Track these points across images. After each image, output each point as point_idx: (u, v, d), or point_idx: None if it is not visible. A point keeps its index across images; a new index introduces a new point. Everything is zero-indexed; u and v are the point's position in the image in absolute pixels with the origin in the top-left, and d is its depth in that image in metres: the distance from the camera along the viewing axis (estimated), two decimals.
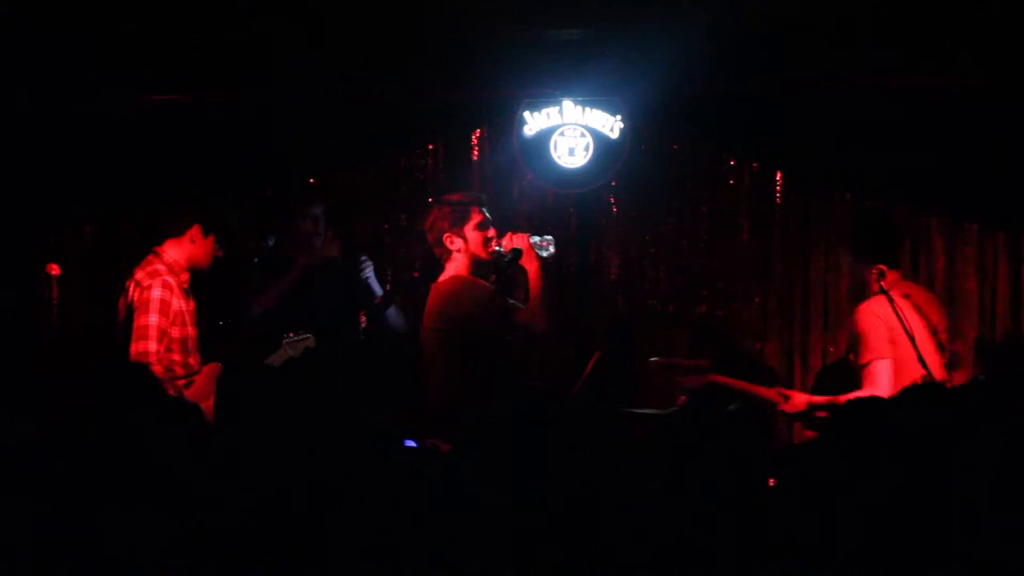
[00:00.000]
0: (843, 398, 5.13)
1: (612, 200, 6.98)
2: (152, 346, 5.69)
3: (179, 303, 5.84)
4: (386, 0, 6.20)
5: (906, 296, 5.30)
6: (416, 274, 6.60)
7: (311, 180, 7.03)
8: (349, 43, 6.40)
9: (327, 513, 3.22)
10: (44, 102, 6.47)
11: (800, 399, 5.33)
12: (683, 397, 5.56)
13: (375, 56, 6.42)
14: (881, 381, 5.12)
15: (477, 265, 5.70)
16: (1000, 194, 6.45)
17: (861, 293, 5.51)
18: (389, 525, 3.11)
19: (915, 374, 5.09)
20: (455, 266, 5.69)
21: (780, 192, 6.91)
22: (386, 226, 7.08)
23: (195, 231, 5.91)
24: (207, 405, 4.13)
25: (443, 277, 5.69)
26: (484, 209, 5.73)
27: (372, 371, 6.37)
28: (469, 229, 5.68)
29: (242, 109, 6.62)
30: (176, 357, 5.80)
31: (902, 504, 3.13)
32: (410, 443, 4.62)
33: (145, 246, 6.03)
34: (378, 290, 6.32)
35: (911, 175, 6.53)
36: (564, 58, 6.41)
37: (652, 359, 5.90)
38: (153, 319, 5.72)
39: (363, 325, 6.30)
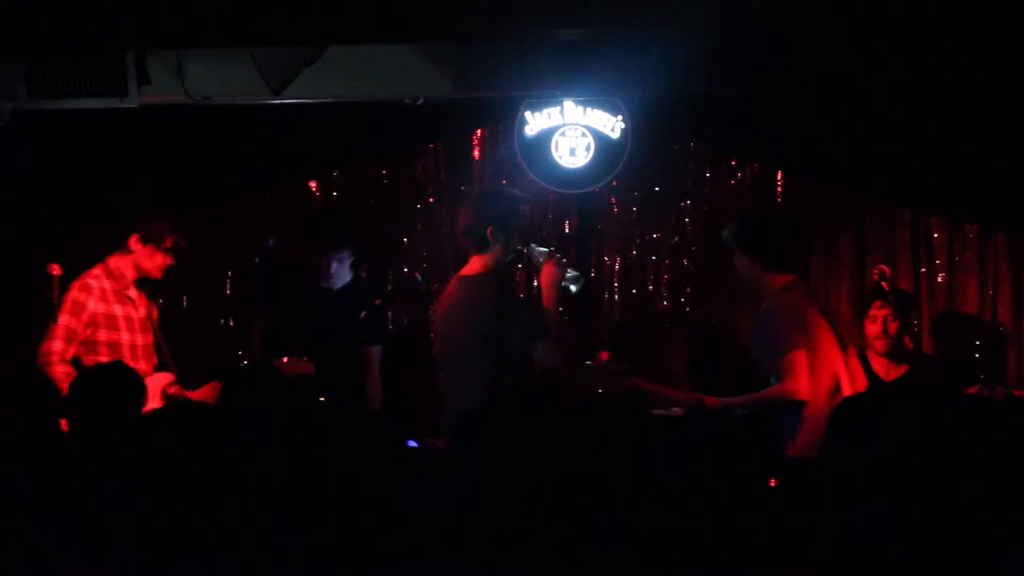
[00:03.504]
0: (763, 394, 5.35)
1: (613, 200, 6.98)
2: (56, 345, 5.81)
3: (106, 306, 5.92)
4: (387, 0, 6.18)
5: (808, 295, 5.48)
6: (417, 274, 6.58)
7: (311, 181, 7.04)
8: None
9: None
10: (43, 101, 6.45)
11: (713, 402, 5.39)
12: None
13: (375, 55, 6.40)
14: (802, 371, 5.27)
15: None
16: (1000, 194, 6.45)
17: (758, 293, 5.68)
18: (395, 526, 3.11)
19: (828, 365, 5.33)
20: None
21: (780, 192, 6.91)
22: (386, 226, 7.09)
23: (134, 240, 6.00)
24: None
25: None
26: None
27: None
28: None
29: (241, 110, 6.61)
30: (104, 359, 5.80)
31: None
32: (412, 443, 4.62)
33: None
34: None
35: (911, 175, 6.53)
36: (565, 58, 6.39)
37: (587, 363, 5.75)
38: (63, 319, 5.83)
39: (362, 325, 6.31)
